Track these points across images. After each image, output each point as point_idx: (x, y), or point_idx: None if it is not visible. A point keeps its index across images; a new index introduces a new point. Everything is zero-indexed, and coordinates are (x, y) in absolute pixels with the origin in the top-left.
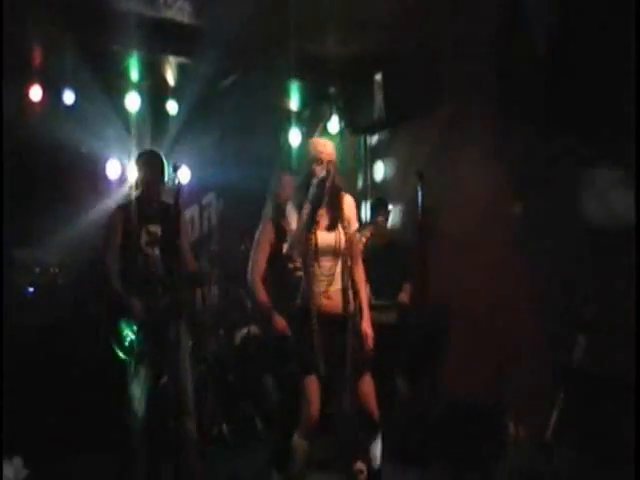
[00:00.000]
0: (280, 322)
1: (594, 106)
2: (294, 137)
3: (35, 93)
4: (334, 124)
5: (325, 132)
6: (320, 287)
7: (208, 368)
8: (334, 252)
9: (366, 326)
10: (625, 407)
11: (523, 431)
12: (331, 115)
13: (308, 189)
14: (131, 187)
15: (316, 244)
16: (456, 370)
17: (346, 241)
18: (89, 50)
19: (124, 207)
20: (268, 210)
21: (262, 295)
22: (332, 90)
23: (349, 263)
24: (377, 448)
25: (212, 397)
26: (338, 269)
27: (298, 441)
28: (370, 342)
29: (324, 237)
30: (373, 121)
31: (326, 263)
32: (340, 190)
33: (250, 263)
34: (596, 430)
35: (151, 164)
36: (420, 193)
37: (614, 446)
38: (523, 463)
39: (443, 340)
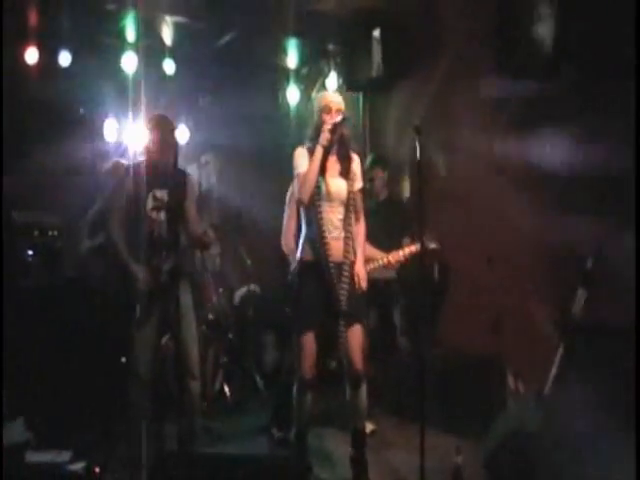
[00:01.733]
0: None
1: (596, 52)
2: (292, 94)
3: (31, 55)
4: (332, 81)
5: (323, 89)
6: (330, 232)
7: (208, 328)
8: (341, 200)
9: (359, 268)
10: (625, 361)
11: (522, 385)
12: (329, 72)
13: (318, 136)
14: (138, 151)
15: (328, 190)
16: (455, 324)
17: (350, 193)
18: (85, 10)
19: (132, 171)
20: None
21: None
22: (330, 47)
23: (351, 215)
24: (362, 401)
25: (213, 357)
26: (342, 216)
27: (297, 397)
28: (363, 283)
29: (334, 184)
30: (371, 77)
31: (335, 210)
32: (349, 142)
33: (283, 228)
34: (595, 383)
35: (162, 128)
36: (418, 148)
37: (613, 400)
38: (522, 417)
39: (442, 294)
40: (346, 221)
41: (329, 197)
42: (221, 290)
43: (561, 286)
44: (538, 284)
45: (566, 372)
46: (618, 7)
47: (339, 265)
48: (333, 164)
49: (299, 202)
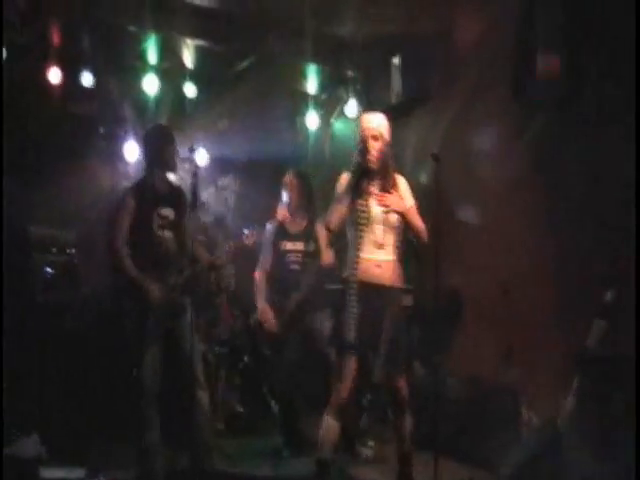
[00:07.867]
0: (265, 311)
1: (613, 80)
2: (311, 120)
3: (54, 75)
4: (352, 107)
5: (342, 115)
6: (371, 254)
7: (223, 349)
8: (385, 222)
9: None
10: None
11: (536, 415)
12: (349, 98)
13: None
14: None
15: (369, 212)
16: (470, 354)
17: (398, 216)
18: (107, 32)
19: (135, 189)
20: None
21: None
22: (350, 73)
23: (400, 238)
24: (407, 426)
25: (226, 378)
26: (392, 240)
27: (329, 421)
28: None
29: (377, 209)
30: (391, 104)
31: (378, 231)
32: (389, 162)
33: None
34: (610, 417)
35: (161, 139)
36: (436, 175)
37: (628, 432)
38: (536, 447)
39: (457, 323)
40: (398, 244)
41: (373, 220)
42: (237, 313)
43: (577, 317)
44: (555, 315)
45: (581, 403)
46: (633, 37)
47: (382, 288)
48: (374, 186)
49: (326, 228)
